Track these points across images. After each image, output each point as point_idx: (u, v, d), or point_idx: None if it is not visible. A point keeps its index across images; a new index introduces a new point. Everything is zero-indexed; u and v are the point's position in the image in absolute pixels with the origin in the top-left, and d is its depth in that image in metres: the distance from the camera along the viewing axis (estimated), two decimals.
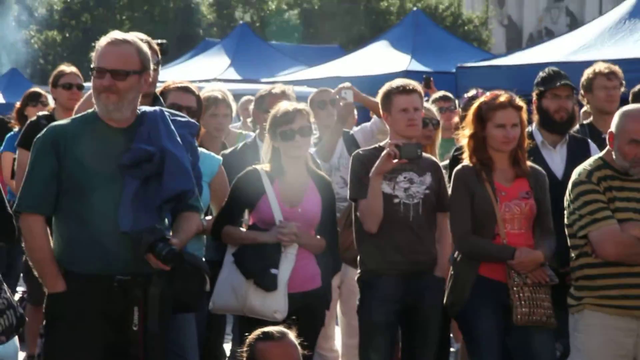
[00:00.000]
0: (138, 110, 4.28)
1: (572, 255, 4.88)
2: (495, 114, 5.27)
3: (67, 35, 37.56)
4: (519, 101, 5.34)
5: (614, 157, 4.80)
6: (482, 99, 5.38)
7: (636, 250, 4.67)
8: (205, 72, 19.94)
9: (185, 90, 5.47)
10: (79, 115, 4.39)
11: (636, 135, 4.70)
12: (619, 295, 4.72)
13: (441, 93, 8.57)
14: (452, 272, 5.38)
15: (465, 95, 7.25)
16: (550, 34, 43.33)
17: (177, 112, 4.58)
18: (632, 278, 4.70)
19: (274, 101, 6.03)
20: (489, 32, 42.11)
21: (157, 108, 4.36)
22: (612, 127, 4.81)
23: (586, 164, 4.87)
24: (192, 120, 4.54)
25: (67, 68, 7.15)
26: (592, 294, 4.78)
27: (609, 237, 4.68)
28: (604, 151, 4.89)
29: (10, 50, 30.40)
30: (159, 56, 5.03)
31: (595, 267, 4.76)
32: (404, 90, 5.52)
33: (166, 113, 4.35)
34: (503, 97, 5.31)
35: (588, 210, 4.73)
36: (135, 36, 4.37)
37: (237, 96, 7.83)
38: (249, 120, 6.95)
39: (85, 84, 6.90)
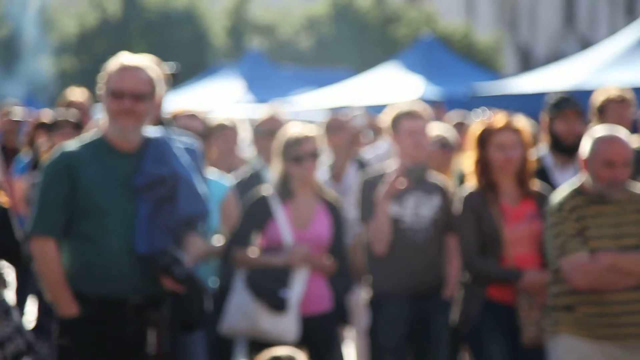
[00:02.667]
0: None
1: (550, 280, 4.87)
2: (494, 136, 5.30)
3: (82, 62, 37.79)
4: (518, 122, 5.37)
5: (588, 182, 4.76)
6: (482, 123, 5.43)
7: (607, 279, 4.62)
8: (219, 97, 20.04)
9: (192, 116, 5.54)
10: (86, 138, 4.42)
11: (610, 157, 4.66)
12: (594, 324, 4.69)
13: (458, 118, 8.61)
14: (460, 294, 5.39)
15: (475, 117, 7.28)
16: (562, 59, 43.34)
17: (178, 136, 4.62)
18: (606, 306, 4.66)
19: (267, 124, 6.08)
20: (501, 57, 42.15)
21: (160, 131, 4.40)
22: (584, 152, 4.78)
23: (559, 194, 4.85)
24: (193, 144, 4.59)
25: (74, 93, 7.22)
26: (568, 318, 4.74)
27: (578, 267, 4.63)
28: (578, 178, 4.85)
29: (26, 78, 30.60)
30: (167, 80, 5.07)
31: (570, 295, 4.73)
32: (411, 114, 5.57)
33: (169, 136, 4.40)
34: (501, 119, 5.35)
35: (559, 242, 4.70)
36: (145, 59, 4.42)
37: (251, 120, 7.88)
38: (250, 154, 6.99)
39: (95, 110, 6.96)
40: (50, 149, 6.58)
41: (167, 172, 4.24)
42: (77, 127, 6.71)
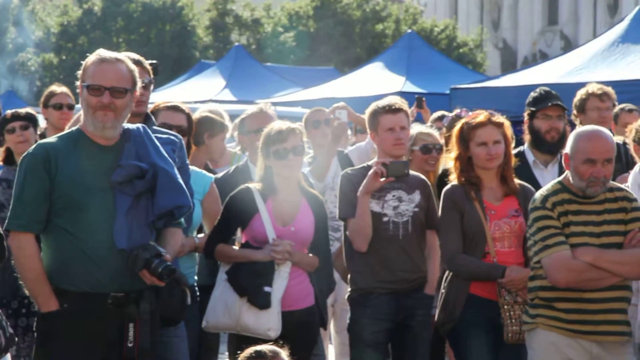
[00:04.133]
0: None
1: (530, 275, 4.89)
2: (475, 132, 5.33)
3: (64, 57, 37.64)
4: (499, 118, 5.39)
5: (570, 179, 4.78)
6: (463, 120, 5.45)
7: (587, 276, 4.64)
8: (201, 93, 20.00)
9: (175, 109, 5.51)
10: (65, 133, 4.41)
11: (590, 154, 4.68)
12: (572, 320, 4.71)
13: (439, 113, 8.60)
14: (443, 291, 5.41)
15: (450, 115, 7.29)
16: (544, 57, 43.53)
17: (159, 129, 4.61)
18: (585, 303, 4.69)
19: (254, 121, 6.08)
20: (484, 55, 42.29)
21: (139, 125, 4.39)
22: (567, 149, 4.80)
23: (544, 189, 4.86)
24: (173, 137, 4.57)
25: (57, 88, 7.18)
26: (546, 314, 4.76)
27: (559, 263, 4.65)
28: (563, 175, 4.87)
29: (7, 73, 30.44)
30: (151, 76, 5.06)
31: (549, 291, 4.75)
32: (390, 110, 5.57)
33: (148, 130, 4.39)
34: (482, 115, 5.37)
35: (540, 237, 4.71)
36: (125, 55, 4.41)
37: (232, 117, 7.88)
38: (238, 148, 7.00)
39: (77, 105, 6.90)
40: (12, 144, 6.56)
41: (146, 166, 4.22)
42: (32, 122, 6.67)
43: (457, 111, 7.13)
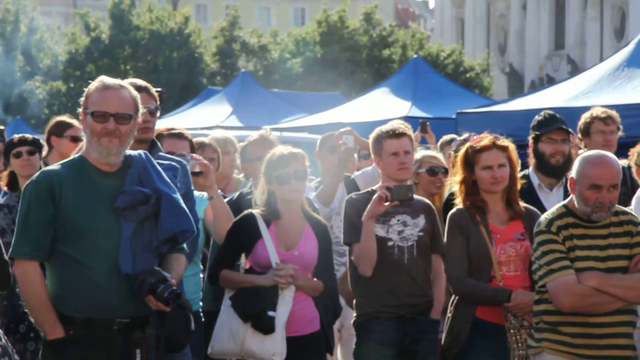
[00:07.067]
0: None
1: (535, 299, 4.87)
2: (480, 156, 5.34)
3: (72, 85, 37.81)
4: (503, 141, 5.40)
5: (575, 203, 4.76)
6: (468, 144, 5.46)
7: (592, 301, 4.62)
8: (208, 120, 20.06)
9: (179, 136, 5.54)
10: (68, 160, 4.41)
11: (596, 180, 4.66)
12: (577, 344, 4.69)
13: (448, 137, 8.59)
14: (449, 315, 5.40)
15: (458, 139, 7.29)
16: (551, 81, 43.56)
17: (164, 155, 4.62)
18: (590, 328, 4.67)
19: (256, 149, 6.07)
20: (491, 79, 42.33)
21: (141, 151, 4.40)
22: (573, 173, 4.79)
23: (549, 212, 4.85)
24: (175, 163, 4.57)
25: (71, 120, 7.20)
26: (551, 337, 4.74)
27: (564, 288, 4.63)
28: (568, 198, 4.85)
29: (16, 101, 30.55)
30: (158, 102, 5.08)
31: (554, 315, 4.73)
32: (393, 134, 5.59)
33: (150, 156, 4.40)
34: (487, 139, 5.39)
35: (545, 261, 4.70)
36: (131, 82, 4.42)
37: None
38: (241, 175, 7.00)
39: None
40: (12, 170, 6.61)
41: (150, 191, 4.23)
42: (38, 147, 6.69)
43: (465, 135, 7.14)
